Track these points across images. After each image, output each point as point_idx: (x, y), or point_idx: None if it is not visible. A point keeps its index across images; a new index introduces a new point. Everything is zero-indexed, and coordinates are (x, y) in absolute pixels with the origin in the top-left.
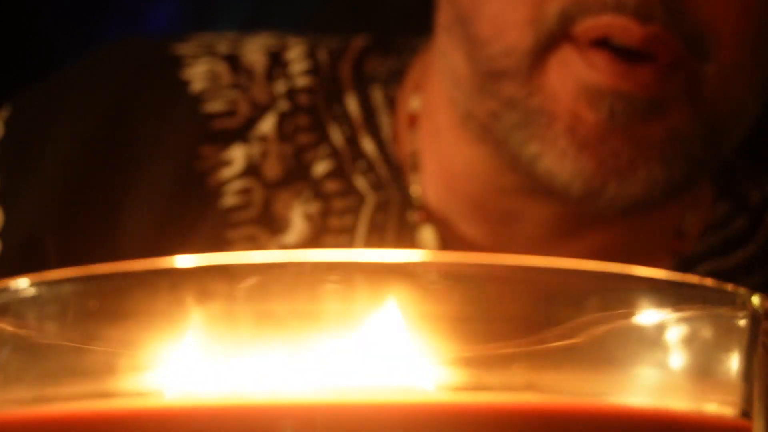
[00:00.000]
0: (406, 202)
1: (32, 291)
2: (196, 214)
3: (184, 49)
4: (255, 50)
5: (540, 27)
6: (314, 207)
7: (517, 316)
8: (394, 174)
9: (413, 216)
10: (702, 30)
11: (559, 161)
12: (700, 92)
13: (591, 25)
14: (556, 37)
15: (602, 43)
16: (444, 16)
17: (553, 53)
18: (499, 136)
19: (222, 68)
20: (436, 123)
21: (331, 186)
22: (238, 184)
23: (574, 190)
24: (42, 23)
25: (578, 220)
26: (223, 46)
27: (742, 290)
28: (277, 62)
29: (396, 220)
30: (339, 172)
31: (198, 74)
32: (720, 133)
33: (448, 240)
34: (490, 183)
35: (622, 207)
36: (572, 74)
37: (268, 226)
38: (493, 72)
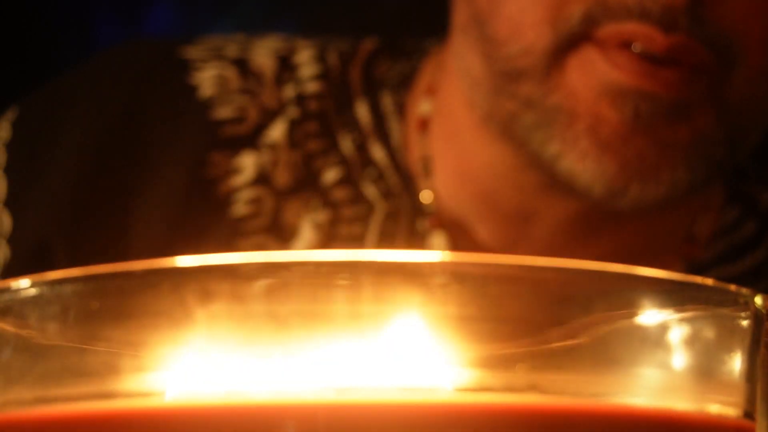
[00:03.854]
0: (416, 209)
1: (34, 291)
2: (206, 223)
3: (193, 52)
4: (264, 54)
5: (560, 28)
6: (323, 216)
7: (520, 317)
8: (404, 181)
9: (423, 224)
10: (728, 37)
11: (580, 162)
12: (724, 96)
13: (614, 30)
14: (576, 38)
15: (625, 45)
16: (460, 17)
17: (573, 53)
18: (519, 136)
19: (231, 73)
20: (453, 124)
21: (341, 194)
22: (248, 193)
23: (595, 191)
24: (42, 24)
25: (592, 222)
26: (231, 50)
27: (744, 291)
28: (286, 66)
29: (406, 228)
30: (348, 180)
31: (206, 79)
32: (741, 136)
33: (460, 245)
34: (510, 181)
35: (643, 207)
36: (594, 73)
37: (277, 235)
38: (511, 72)
